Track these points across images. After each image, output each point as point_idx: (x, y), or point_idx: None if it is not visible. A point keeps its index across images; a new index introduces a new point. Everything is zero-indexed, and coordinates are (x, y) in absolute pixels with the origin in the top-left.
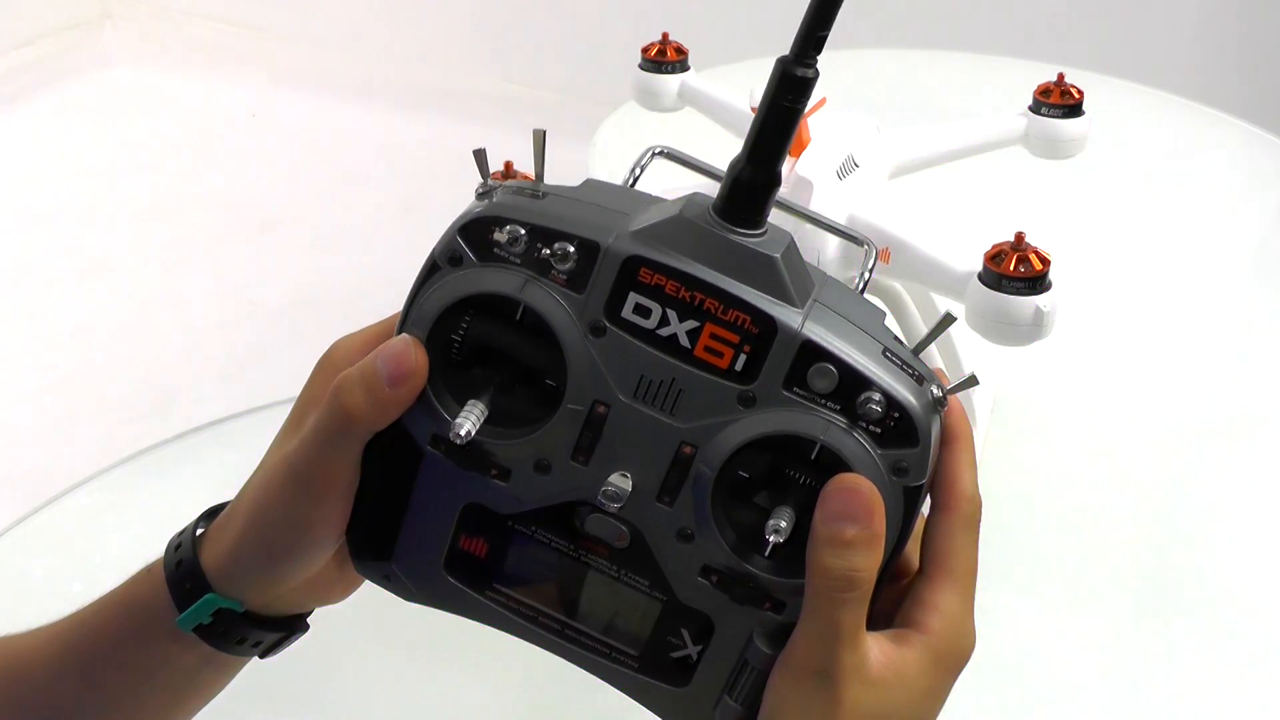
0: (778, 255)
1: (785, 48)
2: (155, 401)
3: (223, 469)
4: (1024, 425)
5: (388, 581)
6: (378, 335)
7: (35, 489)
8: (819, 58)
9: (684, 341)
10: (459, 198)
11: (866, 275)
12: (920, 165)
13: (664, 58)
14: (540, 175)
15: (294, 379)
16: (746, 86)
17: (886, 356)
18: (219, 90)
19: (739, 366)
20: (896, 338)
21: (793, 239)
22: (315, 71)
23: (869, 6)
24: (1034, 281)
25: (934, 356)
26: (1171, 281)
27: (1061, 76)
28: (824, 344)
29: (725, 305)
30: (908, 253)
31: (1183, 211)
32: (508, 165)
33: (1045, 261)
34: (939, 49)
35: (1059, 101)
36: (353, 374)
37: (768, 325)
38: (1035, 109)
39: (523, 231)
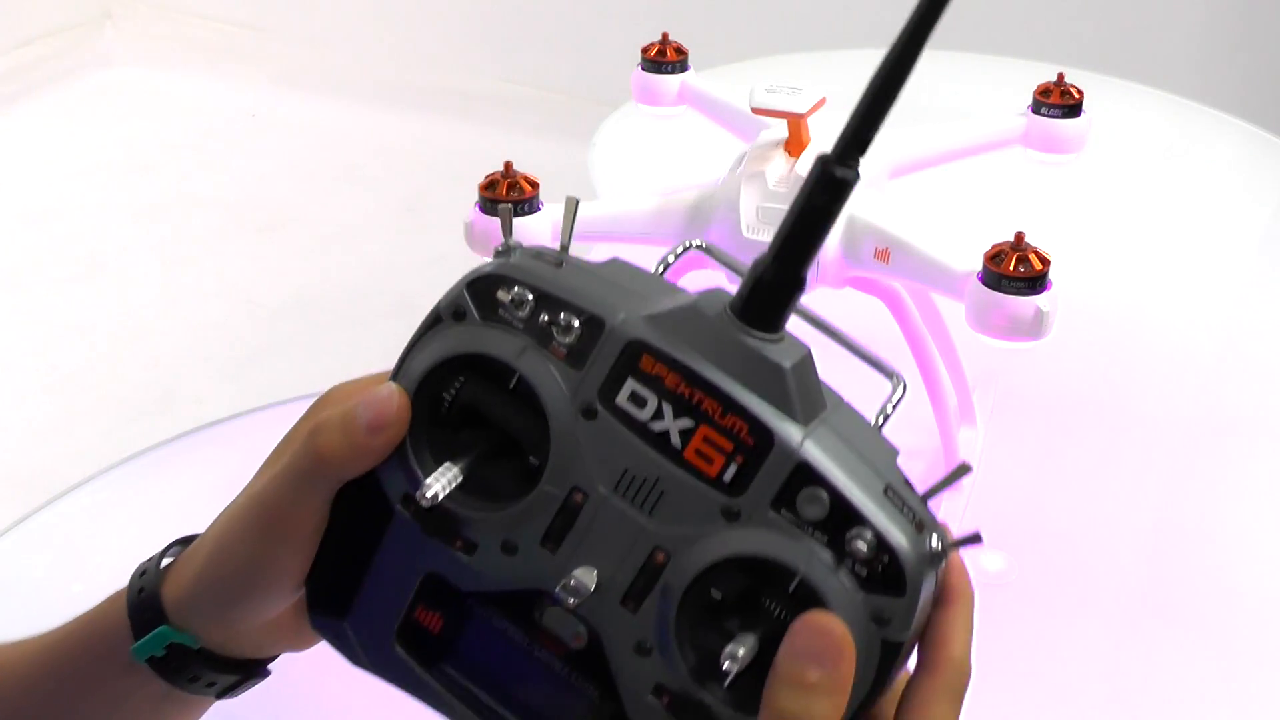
0: (788, 365)
1: (785, 48)
2: (155, 401)
3: (223, 470)
4: (1024, 425)
5: (338, 640)
6: (376, 383)
7: (35, 489)
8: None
9: (675, 440)
10: (459, 198)
11: (889, 410)
12: (920, 165)
13: (664, 58)
14: (566, 246)
15: (294, 379)
16: (746, 86)
17: (887, 495)
18: (219, 90)
19: (728, 477)
20: (906, 480)
21: (810, 352)
22: (315, 71)
23: (869, 6)
24: (1034, 281)
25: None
26: (1171, 282)
27: (1061, 76)
28: (820, 468)
29: (724, 409)
30: (908, 253)
31: (1183, 211)
32: (507, 165)
33: (1045, 261)
34: (939, 49)
35: (1059, 101)
36: (333, 416)
37: (764, 438)
38: (1035, 109)
39: (530, 296)
